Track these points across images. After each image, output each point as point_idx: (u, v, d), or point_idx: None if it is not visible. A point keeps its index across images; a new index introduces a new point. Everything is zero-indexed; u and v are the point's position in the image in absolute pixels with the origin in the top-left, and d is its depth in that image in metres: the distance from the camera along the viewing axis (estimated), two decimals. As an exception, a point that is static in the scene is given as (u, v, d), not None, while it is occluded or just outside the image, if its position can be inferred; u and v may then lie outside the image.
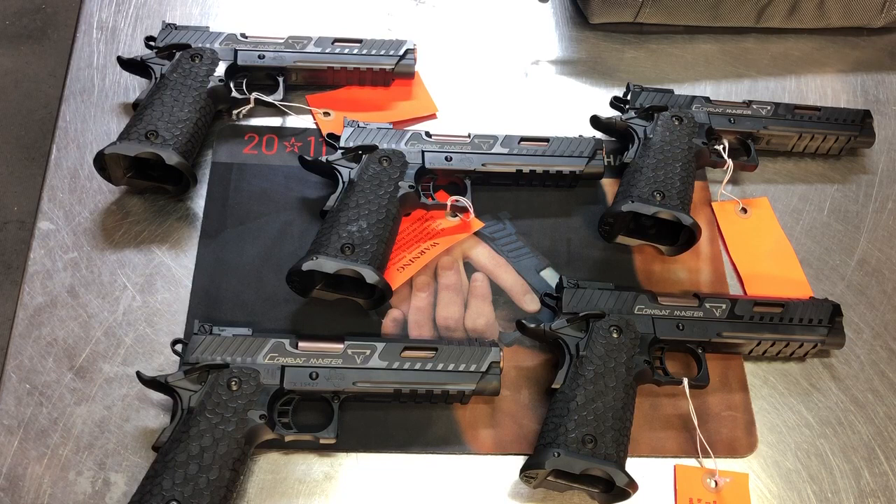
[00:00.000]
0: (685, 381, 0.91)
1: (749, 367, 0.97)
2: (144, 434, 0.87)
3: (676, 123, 1.06)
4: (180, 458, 0.78)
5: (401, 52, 1.12)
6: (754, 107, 1.12)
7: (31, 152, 2.09)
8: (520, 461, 0.88)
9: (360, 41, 1.12)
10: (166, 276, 0.97)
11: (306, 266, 0.89)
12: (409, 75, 1.14)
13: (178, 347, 0.87)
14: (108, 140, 1.02)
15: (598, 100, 1.17)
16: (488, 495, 0.87)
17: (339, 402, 0.86)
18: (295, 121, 1.11)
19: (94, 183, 1.02)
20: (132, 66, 1.06)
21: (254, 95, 1.07)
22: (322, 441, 0.85)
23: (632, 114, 1.09)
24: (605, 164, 1.06)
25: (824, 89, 1.25)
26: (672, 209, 0.97)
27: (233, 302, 0.96)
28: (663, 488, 0.89)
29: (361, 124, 1.04)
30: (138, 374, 0.84)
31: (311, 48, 1.10)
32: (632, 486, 0.82)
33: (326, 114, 1.10)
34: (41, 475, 0.84)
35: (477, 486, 0.88)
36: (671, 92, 1.12)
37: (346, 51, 1.11)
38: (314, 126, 1.10)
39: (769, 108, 1.12)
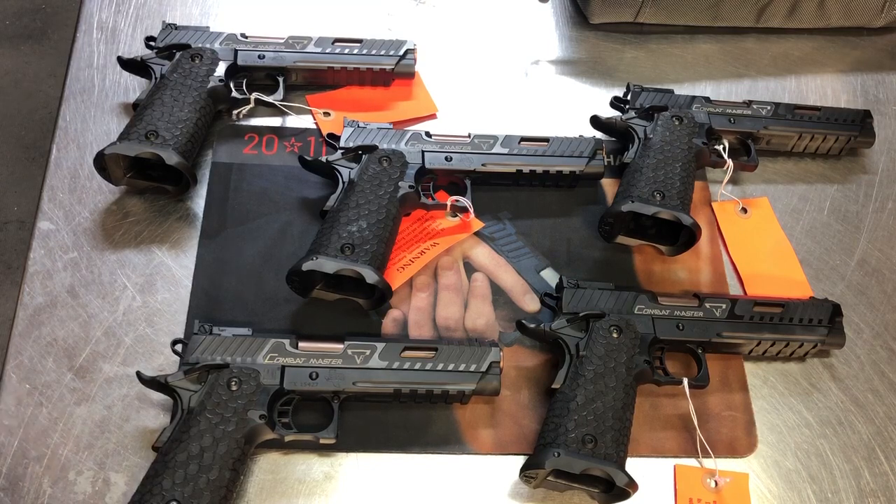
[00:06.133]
0: (685, 381, 0.91)
1: (749, 367, 0.97)
2: (144, 434, 0.87)
3: (676, 123, 1.06)
4: (180, 458, 0.78)
5: (401, 52, 1.12)
6: (754, 107, 1.12)
7: (31, 152, 2.09)
8: (520, 461, 0.88)
9: (360, 41, 1.12)
10: (166, 276, 0.97)
11: (306, 266, 0.89)
12: (409, 75, 1.14)
13: (178, 347, 0.87)
14: (108, 140, 1.02)
15: (598, 100, 1.17)
16: (488, 495, 0.87)
17: (339, 402, 0.86)
18: (295, 121, 1.11)
19: (94, 183, 1.02)
20: (132, 66, 1.06)
21: (254, 95, 1.07)
22: (322, 441, 0.85)
23: (632, 114, 1.09)
24: (605, 164, 1.06)
25: (824, 89, 1.25)
26: (672, 209, 0.97)
27: (233, 302, 0.96)
28: (663, 488, 0.89)
29: (361, 124, 1.04)
30: (138, 374, 0.84)
31: (311, 48, 1.10)
32: (632, 486, 0.82)
33: (326, 114, 1.10)
34: (41, 475, 0.84)
35: (477, 486, 0.88)
36: (671, 92, 1.12)
37: (347, 51, 1.11)
38: (314, 126, 1.10)
39: (769, 108, 1.12)
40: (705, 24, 1.25)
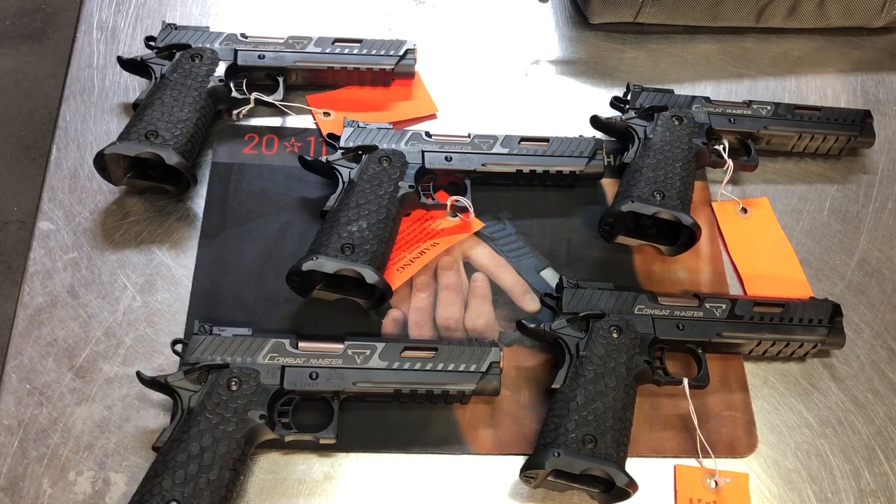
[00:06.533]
0: (685, 381, 0.91)
1: (749, 367, 0.97)
2: (144, 434, 0.87)
3: (676, 123, 1.06)
4: (180, 458, 0.78)
5: (401, 52, 1.12)
6: (754, 107, 1.12)
7: (31, 152, 2.09)
8: (520, 461, 0.88)
9: (360, 41, 1.12)
10: (166, 276, 0.97)
11: (306, 266, 0.89)
12: (409, 75, 1.14)
13: (178, 347, 0.87)
14: (108, 140, 1.02)
15: (598, 100, 1.17)
16: (488, 495, 0.87)
17: (339, 402, 0.86)
18: (295, 121, 1.11)
19: (94, 183, 1.02)
20: (132, 66, 1.06)
21: (254, 95, 1.07)
22: (322, 441, 0.85)
23: (632, 114, 1.09)
24: (605, 164, 1.06)
25: (824, 89, 1.25)
26: (672, 209, 0.97)
27: (233, 302, 0.96)
28: (663, 488, 0.89)
29: (361, 124, 1.04)
30: (138, 374, 0.84)
31: (311, 48, 1.10)
32: (632, 486, 0.82)
33: (326, 114, 1.10)
34: (41, 475, 0.84)
35: (477, 486, 0.88)
36: (671, 92, 1.12)
37: (346, 51, 1.11)
38: (314, 126, 1.10)
39: (769, 108, 1.12)
40: (705, 24, 1.25)
